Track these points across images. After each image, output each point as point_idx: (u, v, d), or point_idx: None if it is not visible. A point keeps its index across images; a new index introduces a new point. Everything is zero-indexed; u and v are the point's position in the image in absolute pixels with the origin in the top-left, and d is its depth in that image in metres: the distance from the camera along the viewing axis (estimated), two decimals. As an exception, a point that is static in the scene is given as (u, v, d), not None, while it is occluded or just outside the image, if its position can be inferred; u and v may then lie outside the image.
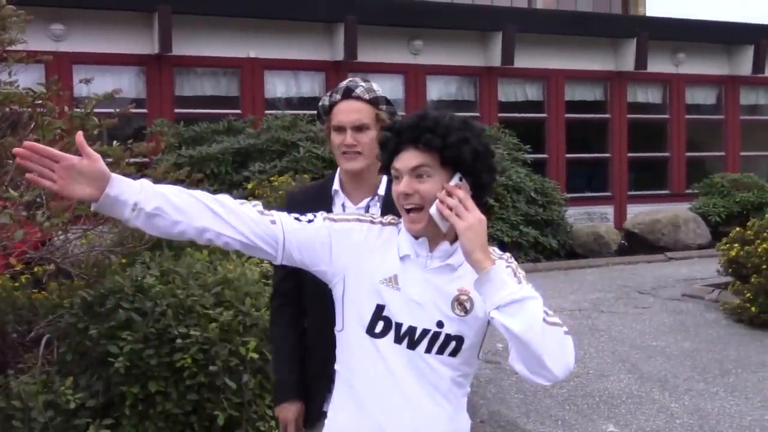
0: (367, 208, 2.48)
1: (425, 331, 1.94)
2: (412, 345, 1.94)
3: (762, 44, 16.07)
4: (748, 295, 7.77)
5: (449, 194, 1.88)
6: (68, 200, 3.58)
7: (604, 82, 15.68)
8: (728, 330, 7.69)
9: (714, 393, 5.83)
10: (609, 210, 15.08)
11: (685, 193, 15.57)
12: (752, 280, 7.82)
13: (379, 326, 1.96)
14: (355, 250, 1.99)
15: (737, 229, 8.74)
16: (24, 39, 3.82)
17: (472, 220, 1.85)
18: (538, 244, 11.04)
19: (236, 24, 12.61)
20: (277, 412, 2.54)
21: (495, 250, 1.94)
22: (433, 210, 1.90)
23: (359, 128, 2.42)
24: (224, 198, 1.95)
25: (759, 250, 7.92)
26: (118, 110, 4.02)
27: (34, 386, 3.25)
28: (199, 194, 1.91)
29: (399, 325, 1.95)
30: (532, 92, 15.15)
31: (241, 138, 9.52)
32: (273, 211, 2.00)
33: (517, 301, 1.80)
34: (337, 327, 2.04)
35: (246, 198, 7.64)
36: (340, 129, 2.44)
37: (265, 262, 4.48)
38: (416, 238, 1.96)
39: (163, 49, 12.10)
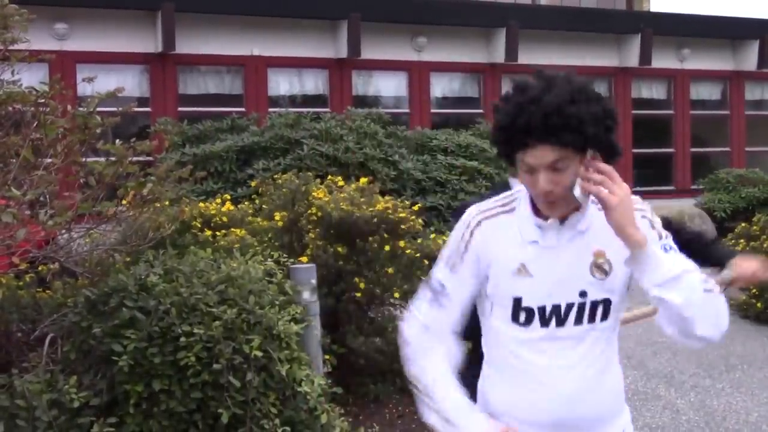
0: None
1: (569, 306, 1.93)
2: (560, 323, 1.94)
3: (767, 39, 16.01)
4: (754, 291, 7.74)
5: (591, 170, 1.83)
6: (71, 198, 3.58)
7: (608, 78, 15.64)
8: (734, 326, 7.62)
9: (720, 389, 5.81)
10: (614, 206, 15.06)
11: (690, 188, 15.53)
12: (758, 275, 7.79)
13: (522, 317, 1.96)
14: (486, 264, 1.98)
15: (743, 224, 8.72)
16: (27, 38, 3.81)
17: (621, 194, 1.82)
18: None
19: (240, 22, 12.60)
20: None
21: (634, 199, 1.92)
22: (577, 192, 1.85)
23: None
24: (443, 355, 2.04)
25: (765, 245, 7.90)
26: (121, 109, 4.02)
27: (38, 385, 3.25)
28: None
29: (542, 309, 1.94)
30: (537, 89, 15.10)
31: (244, 136, 9.50)
32: (429, 314, 2.05)
33: (674, 279, 1.81)
34: (484, 317, 2.06)
35: (250, 196, 7.65)
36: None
37: (269, 260, 4.47)
38: (545, 218, 1.93)
39: (167, 48, 12.10)
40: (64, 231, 3.91)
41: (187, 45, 12.33)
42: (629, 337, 7.21)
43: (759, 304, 7.60)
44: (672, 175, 16.13)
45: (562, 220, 1.92)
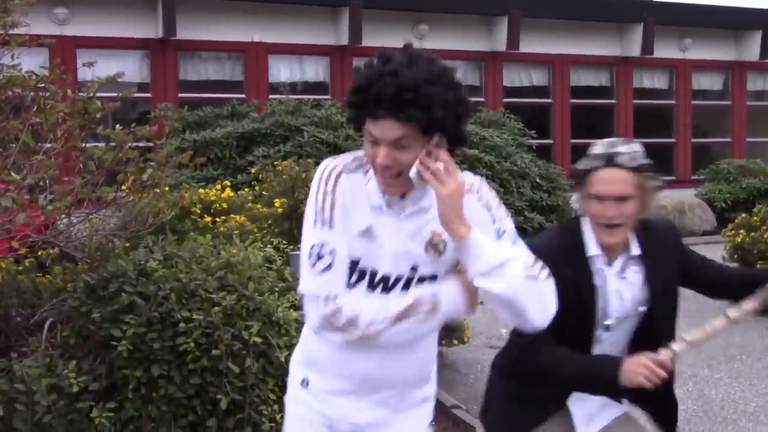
0: (622, 270, 2.44)
1: (399, 277, 1.97)
2: (387, 290, 1.98)
3: (769, 29, 15.97)
4: (753, 281, 7.75)
5: (430, 157, 1.85)
6: (71, 183, 3.57)
7: (609, 68, 15.61)
8: (733, 316, 7.66)
9: (718, 379, 5.82)
10: (614, 196, 15.05)
11: (691, 179, 15.53)
12: (757, 266, 7.79)
13: (354, 277, 1.97)
14: (344, 215, 1.96)
15: (743, 215, 8.71)
16: (27, 22, 3.80)
17: (453, 186, 1.85)
18: (542, 229, 11.01)
19: (240, 8, 12.56)
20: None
21: (466, 175, 1.95)
22: (413, 173, 1.87)
23: (622, 199, 2.31)
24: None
25: (765, 236, 7.90)
26: (121, 94, 4.00)
27: (38, 369, 3.25)
28: None
29: (374, 274, 1.97)
30: (538, 77, 15.09)
31: (245, 122, 9.48)
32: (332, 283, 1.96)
33: (496, 267, 1.85)
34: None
35: (250, 182, 7.65)
36: (601, 198, 2.32)
37: (269, 246, 4.47)
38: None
39: (167, 33, 12.06)
40: (63, 216, 3.91)
41: (188, 31, 12.29)
42: (628, 326, 7.22)
43: (758, 295, 7.61)
44: (673, 165, 16.11)
45: (403, 195, 1.95)
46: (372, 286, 1.98)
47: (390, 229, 1.96)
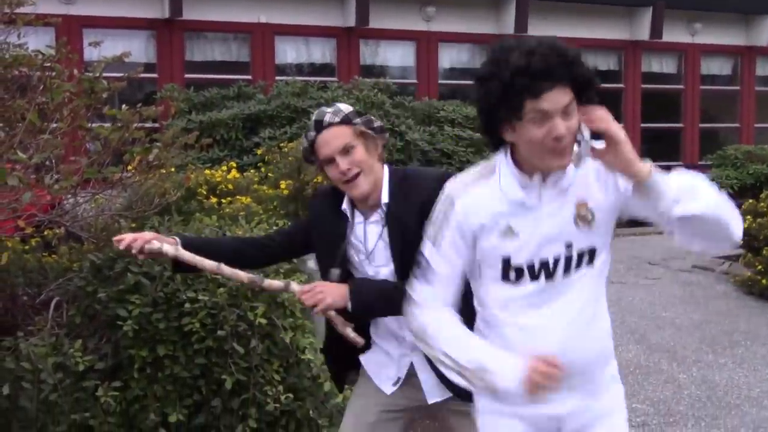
0: (367, 217, 2.50)
1: (557, 259, 1.99)
2: (550, 276, 2.00)
3: (780, 14, 15.84)
4: (759, 267, 7.74)
5: (589, 114, 1.89)
6: (77, 163, 3.57)
7: (618, 52, 15.51)
8: (738, 302, 7.67)
9: (722, 364, 5.82)
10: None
11: (698, 164, 15.45)
12: (764, 252, 7.78)
13: (512, 275, 2.01)
14: (472, 235, 2.03)
15: (750, 201, 8.68)
16: (33, 1, 3.78)
17: (624, 133, 1.88)
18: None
19: (247, -12, 12.50)
20: None
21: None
22: (586, 136, 1.89)
23: (345, 151, 2.41)
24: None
25: (771, 222, 7.87)
26: (127, 74, 3.99)
27: (44, 348, 3.26)
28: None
29: (531, 266, 2.00)
30: (546, 61, 14.99)
31: (251, 104, 9.47)
32: (424, 293, 2.11)
33: (688, 189, 1.88)
34: (474, 280, 2.12)
35: (255, 164, 7.64)
36: (330, 161, 2.44)
37: (274, 228, 4.47)
38: (530, 178, 1.98)
39: (174, 14, 12.02)
40: (69, 196, 3.92)
41: (194, 11, 12.24)
42: (632, 311, 7.23)
43: (764, 281, 7.59)
44: (680, 150, 16.05)
45: (544, 178, 1.98)
46: (534, 276, 2.00)
47: (533, 217, 1.99)
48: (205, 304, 3.42)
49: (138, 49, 11.89)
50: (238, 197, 5.67)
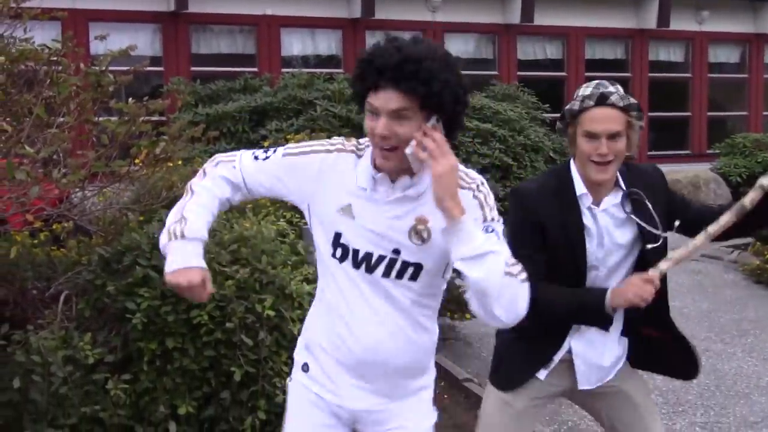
0: (610, 207, 2.50)
1: (381, 257, 2.02)
2: (370, 270, 2.03)
3: (788, 1, 15.74)
4: (768, 256, 7.72)
5: (426, 136, 1.89)
6: (84, 157, 3.58)
7: (625, 40, 15.44)
8: (747, 291, 7.65)
9: (731, 354, 5.81)
10: (628, 170, 14.96)
11: (706, 153, 15.40)
12: (772, 241, 7.76)
13: (338, 252, 2.05)
14: (313, 180, 2.07)
15: (758, 189, 8.64)
16: (39, -5, 3.79)
17: (446, 165, 1.88)
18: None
19: (253, -19, 12.48)
20: None
21: (468, 174, 2.01)
22: (408, 150, 1.91)
23: (613, 137, 2.39)
24: (208, 184, 2.11)
25: (780, 210, 7.84)
26: (133, 67, 4.00)
27: (54, 341, 3.28)
28: (203, 200, 2.08)
29: (356, 252, 2.03)
30: (552, 50, 14.96)
31: (257, 96, 9.46)
32: (238, 156, 2.15)
33: (479, 256, 1.87)
34: (313, 248, 2.18)
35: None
36: (593, 137, 2.40)
37: (282, 220, 4.48)
38: (378, 171, 2.00)
39: (179, 7, 12.02)
40: (77, 189, 3.92)
41: (200, 4, 12.23)
42: (641, 301, 7.21)
43: (772, 270, 7.57)
44: (688, 139, 15.99)
45: (393, 180, 2.00)
46: (356, 264, 2.04)
47: (373, 210, 2.01)
48: (214, 296, 3.42)
49: (144, 42, 11.90)
50: (245, 190, 5.66)
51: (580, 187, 2.48)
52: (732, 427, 4.53)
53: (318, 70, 11.13)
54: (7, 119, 3.26)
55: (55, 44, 3.66)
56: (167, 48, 12.34)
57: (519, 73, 14.20)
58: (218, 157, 2.17)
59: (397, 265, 2.02)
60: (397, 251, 2.01)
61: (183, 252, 1.96)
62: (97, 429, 3.34)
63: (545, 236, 2.46)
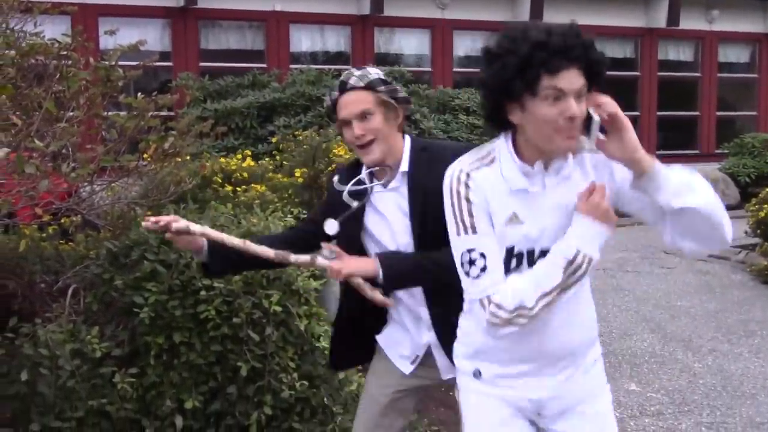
0: (385, 184, 2.49)
1: None
2: None
3: (799, 1, 15.65)
4: (776, 257, 7.69)
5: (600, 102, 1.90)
6: (93, 151, 3.59)
7: (634, 39, 15.39)
8: (754, 291, 7.62)
9: (738, 354, 5.79)
10: (636, 169, 14.92)
11: (715, 153, 15.35)
12: (781, 241, 7.73)
13: (513, 263, 2.00)
14: (486, 207, 1.99)
15: (767, 189, 8.62)
16: (49, -11, 3.80)
17: (628, 121, 1.90)
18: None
19: (262, -24, 12.49)
20: None
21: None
22: (597, 117, 1.89)
23: (363, 116, 2.42)
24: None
25: (789, 211, 7.81)
26: (142, 62, 4.00)
27: (61, 335, 3.29)
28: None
29: (531, 253, 1.99)
30: (561, 49, 14.90)
31: (266, 92, 9.47)
32: (497, 282, 1.99)
33: (689, 183, 1.88)
34: None
35: (270, 152, 7.65)
36: (347, 123, 2.44)
37: (289, 216, 4.49)
38: (531, 165, 1.96)
39: (189, 2, 12.03)
40: (86, 184, 3.94)
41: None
42: (647, 300, 7.20)
43: (780, 270, 7.54)
44: (697, 138, 15.93)
45: (546, 166, 1.98)
46: (531, 263, 1.99)
47: (537, 205, 1.98)
48: (221, 291, 3.43)
49: (153, 37, 11.92)
50: (253, 185, 5.68)
51: (362, 171, 2.51)
52: (738, 428, 4.52)
53: (326, 67, 11.13)
54: (17, 113, 3.27)
55: (64, 39, 3.67)
56: (176, 43, 12.35)
57: (528, 71, 14.17)
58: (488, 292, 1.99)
59: None
60: None
61: None
62: (103, 422, 3.35)
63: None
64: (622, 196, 2.01)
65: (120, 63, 3.79)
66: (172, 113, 7.84)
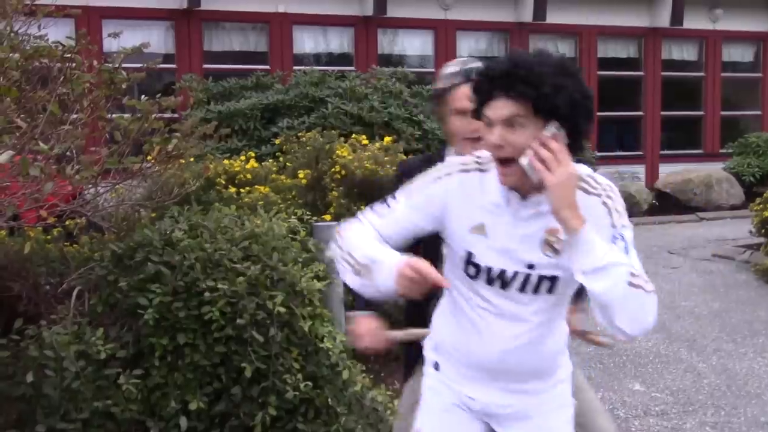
0: None
1: (515, 273, 1.98)
2: (504, 286, 1.99)
3: (803, -1, 15.62)
4: (781, 256, 7.68)
5: (543, 145, 1.83)
6: (97, 154, 3.60)
7: (638, 39, 15.37)
8: (759, 291, 7.61)
9: (743, 354, 5.79)
10: (640, 169, 14.91)
11: (719, 152, 15.32)
12: (785, 241, 7.72)
13: (471, 270, 2.01)
14: (442, 208, 2.02)
15: (771, 189, 8.61)
16: (53, -8, 3.81)
17: (562, 175, 1.82)
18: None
19: (265, -22, 12.50)
20: None
21: (596, 179, 1.94)
22: (524, 161, 1.84)
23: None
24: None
25: (793, 210, 7.80)
26: (146, 64, 4.01)
27: (66, 337, 3.30)
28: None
29: (489, 269, 1.99)
30: (564, 49, 14.90)
31: (269, 94, 9.48)
32: (364, 215, 2.13)
33: (601, 268, 1.81)
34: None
35: (274, 154, 7.67)
36: (465, 113, 2.41)
37: (293, 217, 4.49)
38: (517, 191, 1.96)
39: (192, 4, 12.05)
40: (90, 186, 3.95)
41: (213, 1, 12.27)
42: (652, 300, 7.18)
43: (785, 270, 7.53)
44: (701, 138, 15.90)
45: (525, 196, 1.95)
46: (490, 281, 2.01)
47: (505, 227, 1.97)
48: (225, 293, 3.44)
49: (157, 39, 11.94)
50: (256, 187, 5.69)
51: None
52: (743, 427, 4.52)
53: (330, 68, 11.15)
54: (22, 116, 3.28)
55: (68, 41, 3.68)
56: (180, 45, 12.38)
57: (531, 71, 14.15)
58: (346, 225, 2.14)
59: (533, 280, 1.98)
60: (531, 266, 1.97)
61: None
62: (108, 423, 3.36)
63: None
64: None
65: (124, 65, 3.80)
66: (175, 115, 7.85)
